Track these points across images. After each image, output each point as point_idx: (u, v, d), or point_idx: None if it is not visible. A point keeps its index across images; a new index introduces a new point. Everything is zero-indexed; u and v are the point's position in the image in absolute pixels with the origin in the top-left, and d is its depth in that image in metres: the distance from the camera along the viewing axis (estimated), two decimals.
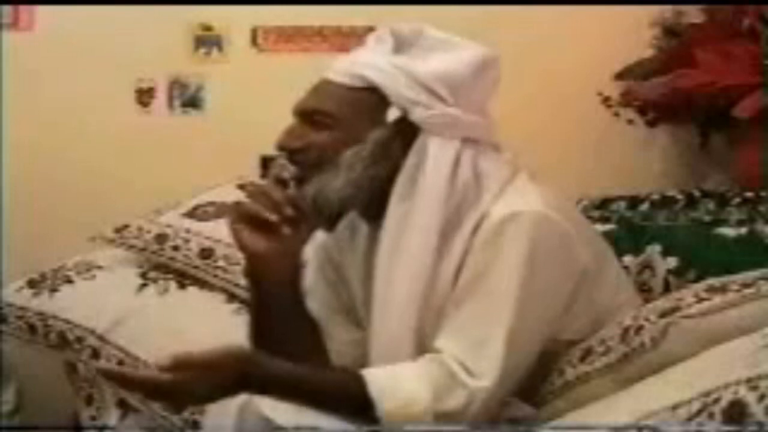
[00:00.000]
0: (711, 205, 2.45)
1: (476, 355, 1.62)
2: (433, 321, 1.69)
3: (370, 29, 1.86)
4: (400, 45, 1.78)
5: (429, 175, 1.71)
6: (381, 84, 1.74)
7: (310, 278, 1.90)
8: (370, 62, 1.77)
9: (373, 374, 1.64)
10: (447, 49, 1.77)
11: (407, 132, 1.74)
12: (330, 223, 1.79)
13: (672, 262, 2.14)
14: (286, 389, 1.63)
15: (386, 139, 1.74)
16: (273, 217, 1.72)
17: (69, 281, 2.58)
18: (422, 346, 1.69)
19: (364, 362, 1.74)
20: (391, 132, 1.74)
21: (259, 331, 1.82)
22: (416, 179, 1.72)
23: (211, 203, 2.67)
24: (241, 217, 1.75)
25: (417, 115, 1.73)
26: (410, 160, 1.73)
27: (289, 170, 1.75)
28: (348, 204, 1.76)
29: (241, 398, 1.66)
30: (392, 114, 1.74)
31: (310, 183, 1.74)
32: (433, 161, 1.71)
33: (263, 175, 2.99)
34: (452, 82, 1.74)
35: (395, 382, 1.62)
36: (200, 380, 1.57)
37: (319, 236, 1.87)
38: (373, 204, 1.76)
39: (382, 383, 1.62)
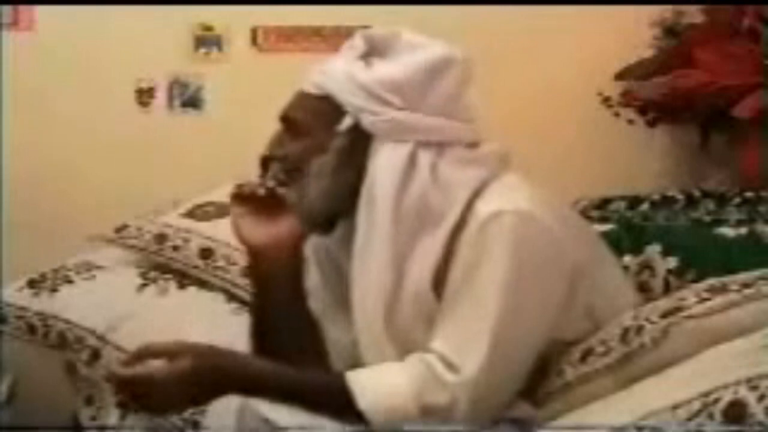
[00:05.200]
0: (711, 205, 2.45)
1: (461, 351, 1.63)
2: (407, 319, 1.69)
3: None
4: (372, 50, 1.77)
5: (379, 179, 1.70)
6: (332, 91, 1.74)
7: (311, 278, 1.90)
8: (328, 69, 1.76)
9: (353, 372, 1.65)
10: (411, 52, 1.74)
11: (364, 138, 1.73)
12: (322, 229, 1.79)
13: (672, 262, 2.14)
14: (264, 388, 1.64)
15: (346, 147, 1.73)
16: (261, 190, 1.76)
17: (69, 281, 2.58)
18: (404, 345, 1.68)
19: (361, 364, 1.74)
20: (350, 140, 1.73)
21: (259, 329, 1.82)
22: (374, 184, 1.71)
23: (211, 203, 2.67)
24: (240, 199, 1.78)
25: (365, 121, 1.72)
26: (370, 166, 1.72)
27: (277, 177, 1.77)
28: (326, 212, 1.76)
29: (241, 399, 1.65)
30: (346, 122, 1.73)
31: (292, 190, 1.75)
32: (382, 166, 1.70)
33: (263, 176, 2.99)
34: (401, 87, 1.72)
35: (376, 378, 1.64)
36: (161, 370, 1.60)
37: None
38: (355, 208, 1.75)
39: (362, 378, 1.64)
